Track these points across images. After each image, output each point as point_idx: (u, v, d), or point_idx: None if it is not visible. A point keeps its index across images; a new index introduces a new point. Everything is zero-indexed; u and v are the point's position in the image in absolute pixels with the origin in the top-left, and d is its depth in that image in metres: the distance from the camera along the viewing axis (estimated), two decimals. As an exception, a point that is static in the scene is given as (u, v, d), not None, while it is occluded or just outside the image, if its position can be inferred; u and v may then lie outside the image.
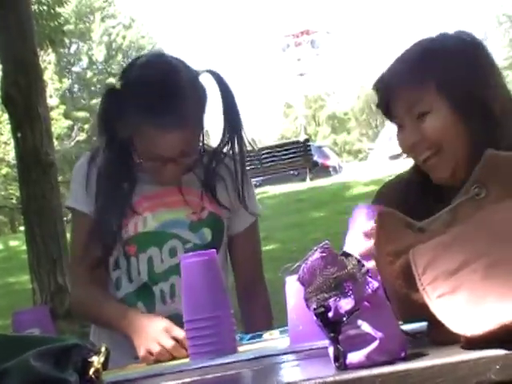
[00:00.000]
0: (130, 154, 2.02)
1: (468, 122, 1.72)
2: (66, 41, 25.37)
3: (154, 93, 1.91)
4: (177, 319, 1.77)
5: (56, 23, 13.87)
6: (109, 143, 2.01)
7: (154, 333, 1.73)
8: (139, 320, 1.84)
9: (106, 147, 2.02)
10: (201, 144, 2.06)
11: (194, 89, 1.97)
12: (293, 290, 1.48)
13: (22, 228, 17.34)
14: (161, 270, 2.01)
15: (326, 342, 1.11)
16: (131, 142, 1.98)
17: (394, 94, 1.78)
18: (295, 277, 1.48)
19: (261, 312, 2.12)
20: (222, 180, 2.09)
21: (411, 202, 1.77)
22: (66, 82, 33.51)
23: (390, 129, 23.91)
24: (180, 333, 1.68)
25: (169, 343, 1.69)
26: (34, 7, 11.70)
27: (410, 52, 1.80)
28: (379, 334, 1.04)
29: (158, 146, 1.93)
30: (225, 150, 2.08)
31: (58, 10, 14.21)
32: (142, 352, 1.74)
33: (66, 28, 17.87)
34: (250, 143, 2.07)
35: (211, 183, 2.08)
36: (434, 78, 1.73)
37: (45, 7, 13.61)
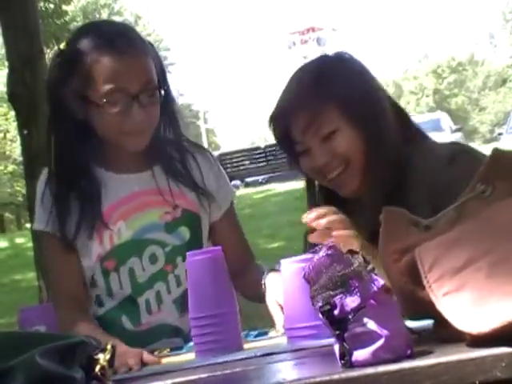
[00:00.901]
0: (85, 134, 1.90)
1: (366, 136, 1.84)
2: (72, 38, 25.37)
3: (106, 29, 1.90)
4: (164, 329, 1.74)
5: (62, 21, 13.88)
6: (61, 119, 1.91)
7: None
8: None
9: (60, 127, 1.92)
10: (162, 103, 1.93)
11: (141, 36, 1.95)
12: (288, 272, 1.50)
13: (28, 225, 17.37)
14: (144, 279, 1.93)
15: (330, 340, 1.11)
16: (88, 101, 1.87)
17: (297, 122, 1.86)
18: (290, 259, 1.50)
19: (256, 284, 1.96)
20: (189, 172, 2.01)
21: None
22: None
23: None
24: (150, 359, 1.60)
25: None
26: (40, 5, 11.71)
27: (303, 79, 1.91)
28: (385, 332, 1.04)
29: (117, 76, 1.84)
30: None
31: (65, 7, 14.23)
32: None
33: (72, 26, 17.89)
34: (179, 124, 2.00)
35: (180, 177, 1.99)
36: (334, 98, 1.85)
37: (51, 5, 13.63)
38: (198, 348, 1.53)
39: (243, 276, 2.02)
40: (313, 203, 1.96)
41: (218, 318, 1.51)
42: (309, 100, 1.85)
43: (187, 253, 1.58)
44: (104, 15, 37.27)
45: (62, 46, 1.98)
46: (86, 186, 1.93)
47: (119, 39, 1.86)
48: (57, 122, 1.94)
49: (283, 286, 1.53)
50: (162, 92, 1.93)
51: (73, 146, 1.91)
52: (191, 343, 1.63)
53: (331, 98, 1.84)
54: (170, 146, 2.01)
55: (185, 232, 1.97)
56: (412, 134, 1.94)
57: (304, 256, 1.46)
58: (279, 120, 1.90)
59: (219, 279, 1.54)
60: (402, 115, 1.95)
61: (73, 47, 1.91)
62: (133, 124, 1.87)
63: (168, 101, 1.96)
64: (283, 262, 1.52)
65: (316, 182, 1.97)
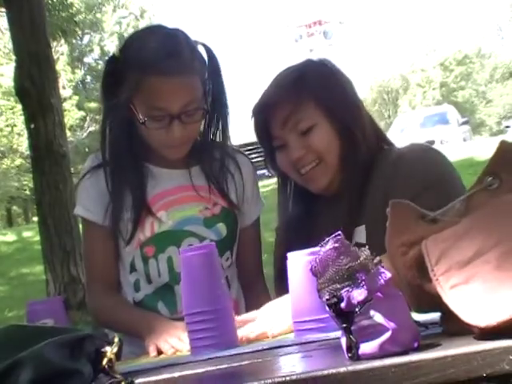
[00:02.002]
0: (134, 129, 1.97)
1: (342, 135, 1.92)
2: (78, 31, 25.41)
3: (155, 46, 1.91)
4: None
5: (68, 13, 13.88)
6: (112, 112, 1.98)
7: (168, 334, 1.72)
8: (159, 321, 1.84)
9: (111, 117, 1.99)
10: (205, 111, 2.00)
11: (192, 47, 1.97)
12: (295, 266, 1.50)
13: (35, 219, 17.42)
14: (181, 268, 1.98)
15: (337, 333, 1.11)
16: (134, 110, 1.93)
17: (276, 117, 1.94)
18: (297, 253, 1.50)
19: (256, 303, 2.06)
20: (230, 175, 2.09)
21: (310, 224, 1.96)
22: (79, 73, 33.53)
23: (403, 120, 23.87)
24: None
25: (179, 345, 1.67)
26: (47, -2, 11.71)
27: (284, 77, 1.98)
28: (392, 325, 1.04)
29: (161, 96, 1.89)
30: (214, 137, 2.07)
31: (70, 0, 14.22)
32: (150, 347, 1.72)
33: (77, 18, 17.89)
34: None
35: (220, 178, 2.07)
36: (312, 97, 1.92)
37: (57, -2, 13.63)
38: (193, 344, 1.53)
39: (248, 289, 2.12)
40: (285, 202, 2.04)
41: (212, 314, 1.51)
42: (289, 95, 1.92)
43: (181, 249, 1.58)
44: (109, 8, 37.26)
45: (116, 50, 2.03)
46: (135, 176, 2.00)
47: (166, 60, 1.88)
48: (110, 119, 2.00)
49: (289, 279, 1.52)
50: (208, 105, 2.00)
51: (124, 141, 1.99)
52: None
53: (311, 95, 1.92)
54: (214, 149, 2.08)
55: (222, 228, 2.05)
56: (381, 142, 2.01)
57: (311, 249, 1.46)
58: (260, 114, 1.98)
59: (213, 275, 1.54)
60: (373, 124, 2.03)
61: (123, 57, 1.96)
62: (172, 140, 1.94)
63: (221, 106, 2.04)
64: (290, 255, 1.52)
65: (289, 183, 2.04)
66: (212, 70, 2.01)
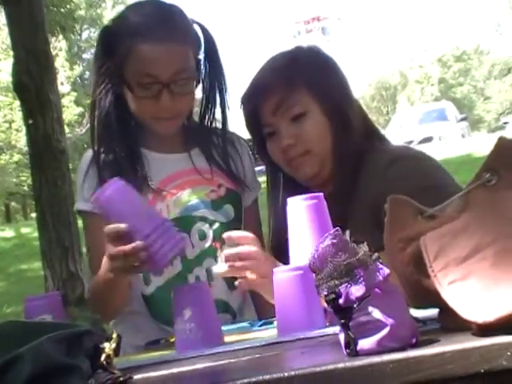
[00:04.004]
0: (125, 109, 1.95)
1: (333, 125, 1.89)
2: (77, 27, 25.37)
3: (148, 13, 1.91)
4: (216, 305, 1.75)
5: (67, 9, 13.86)
6: (103, 83, 1.95)
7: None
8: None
9: (103, 96, 1.96)
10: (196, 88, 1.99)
11: (187, 21, 1.96)
12: (280, 281, 1.47)
13: (33, 215, 17.40)
14: (193, 255, 1.96)
15: (336, 329, 1.12)
16: (124, 80, 1.92)
17: (267, 102, 1.91)
18: (282, 268, 1.50)
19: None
20: (229, 156, 2.06)
21: None
22: (78, 69, 33.50)
23: (401, 116, 23.89)
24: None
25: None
26: (45, -6, 11.67)
27: (275, 61, 1.96)
28: (390, 321, 1.05)
29: (150, 62, 1.87)
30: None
31: (69, -4, 14.22)
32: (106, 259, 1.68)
33: (76, 14, 17.86)
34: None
35: (221, 158, 2.04)
36: (304, 82, 1.89)
37: (56, -6, 13.60)
38: (179, 343, 1.53)
39: None
40: (275, 195, 2.01)
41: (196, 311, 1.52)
42: (281, 78, 1.90)
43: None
44: (108, 3, 37.22)
45: (110, 21, 2.03)
46: (130, 162, 1.97)
47: (158, 26, 1.88)
48: (99, 96, 1.97)
49: (275, 295, 1.49)
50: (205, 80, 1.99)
51: (114, 122, 1.96)
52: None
53: (303, 81, 1.90)
54: (211, 132, 2.07)
55: (230, 210, 2.02)
56: (371, 132, 1.99)
57: (297, 265, 1.47)
58: (250, 100, 1.95)
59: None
60: (364, 113, 2.01)
61: (116, 26, 1.95)
62: (161, 110, 1.91)
63: (220, 89, 2.02)
64: (276, 270, 1.50)
65: (279, 176, 2.02)
66: (209, 50, 2.00)
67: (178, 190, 1.99)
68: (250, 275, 1.72)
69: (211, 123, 2.07)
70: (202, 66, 2.00)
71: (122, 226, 1.55)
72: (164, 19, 1.91)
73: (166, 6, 1.97)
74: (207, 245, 1.97)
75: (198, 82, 1.99)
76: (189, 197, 1.98)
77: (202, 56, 1.99)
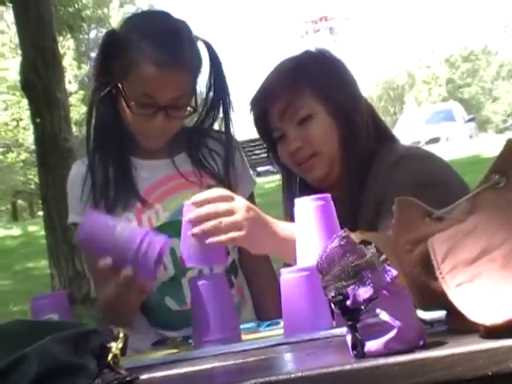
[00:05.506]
0: (119, 114, 1.96)
1: (341, 126, 1.90)
2: (85, 26, 25.40)
3: (157, 34, 1.90)
4: None
5: (75, 9, 13.88)
6: (100, 91, 1.96)
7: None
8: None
9: (97, 99, 1.97)
10: (191, 110, 1.99)
11: (193, 42, 1.96)
12: (288, 282, 1.47)
13: (40, 213, 17.44)
14: None
15: (342, 330, 1.11)
16: (122, 91, 1.92)
17: (274, 107, 1.93)
18: (289, 269, 1.49)
19: (270, 299, 2.00)
20: (215, 155, 2.06)
21: None
22: (85, 68, 33.56)
23: (409, 117, 23.85)
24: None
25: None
26: (53, -7, 11.69)
27: (281, 67, 1.98)
28: (397, 323, 1.04)
29: (152, 85, 1.88)
30: (216, 126, 2.07)
31: (77, -5, 14.23)
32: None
33: (84, 14, 17.88)
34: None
35: (207, 160, 2.04)
36: (310, 85, 1.91)
37: (64, -7, 13.62)
38: (196, 339, 1.55)
39: (255, 276, 2.08)
40: (290, 198, 1.96)
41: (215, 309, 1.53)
42: (286, 83, 1.92)
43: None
44: (116, 3, 37.26)
45: (118, 26, 2.02)
46: (121, 172, 1.98)
47: (164, 49, 1.88)
48: (96, 104, 1.98)
49: (282, 295, 1.48)
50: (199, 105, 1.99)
51: (108, 132, 1.98)
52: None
53: (309, 84, 1.91)
54: (195, 134, 2.06)
55: None
56: (381, 133, 1.99)
57: (304, 266, 1.47)
58: (258, 105, 1.97)
59: None
60: (374, 114, 2.01)
61: (122, 34, 1.94)
62: (153, 130, 1.93)
63: (224, 103, 2.03)
64: (283, 271, 1.49)
65: (294, 179, 2.02)
66: (213, 66, 2.00)
67: (166, 195, 2.00)
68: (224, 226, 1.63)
69: (204, 126, 2.07)
70: (207, 81, 2.01)
71: (108, 261, 1.62)
72: (171, 42, 1.90)
73: (175, 24, 1.96)
74: None
75: (193, 108, 1.99)
76: (177, 201, 1.97)
77: (201, 73, 1.99)
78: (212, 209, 1.62)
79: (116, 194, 1.97)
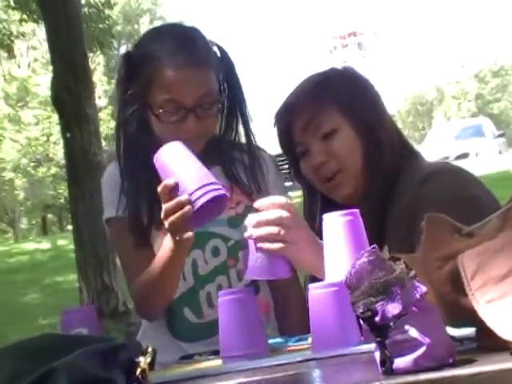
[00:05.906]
0: (148, 128, 1.95)
1: (365, 142, 1.89)
2: (115, 43, 25.62)
3: (170, 39, 1.92)
4: None
5: (105, 25, 14.03)
6: (127, 107, 1.95)
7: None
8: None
9: (123, 119, 1.97)
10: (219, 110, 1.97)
11: (207, 43, 1.97)
12: (315, 297, 1.46)
13: (69, 227, 17.56)
14: (206, 271, 1.96)
15: (371, 346, 1.11)
16: (148, 105, 1.92)
17: (298, 121, 1.93)
18: (317, 284, 1.49)
19: (296, 315, 2.01)
20: (252, 173, 2.03)
21: None
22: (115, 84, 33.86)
23: (438, 132, 23.74)
24: None
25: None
26: (84, 10, 11.83)
27: (305, 82, 1.98)
28: (427, 340, 1.03)
29: (175, 88, 1.87)
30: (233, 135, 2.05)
31: (108, 12, 14.38)
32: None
33: (114, 30, 18.06)
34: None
35: (242, 176, 2.02)
36: (334, 100, 1.91)
37: (94, 9, 13.77)
38: (224, 354, 1.54)
39: (282, 290, 2.04)
40: (311, 215, 1.98)
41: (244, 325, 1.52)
42: (310, 98, 1.92)
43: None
44: (146, 19, 37.55)
45: (131, 46, 2.05)
46: (152, 179, 1.92)
47: (180, 51, 1.89)
48: (124, 124, 1.98)
49: (310, 310, 1.47)
50: (225, 101, 1.98)
51: (138, 142, 1.97)
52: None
53: (333, 99, 1.91)
54: (233, 148, 2.05)
55: None
56: (405, 150, 1.98)
57: (332, 281, 1.46)
58: (281, 119, 1.97)
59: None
60: (398, 131, 2.01)
61: (139, 50, 1.97)
62: (186, 134, 1.89)
63: (239, 106, 2.02)
64: (311, 286, 1.48)
65: (317, 196, 2.00)
66: (227, 70, 1.99)
67: None
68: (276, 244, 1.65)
69: (234, 139, 2.06)
70: (222, 87, 2.00)
71: (171, 181, 1.64)
72: (186, 43, 1.92)
73: (187, 30, 1.99)
74: (221, 261, 1.96)
75: (223, 105, 1.98)
76: None
77: (223, 82, 1.99)
78: (273, 215, 1.64)
79: (142, 205, 1.95)
